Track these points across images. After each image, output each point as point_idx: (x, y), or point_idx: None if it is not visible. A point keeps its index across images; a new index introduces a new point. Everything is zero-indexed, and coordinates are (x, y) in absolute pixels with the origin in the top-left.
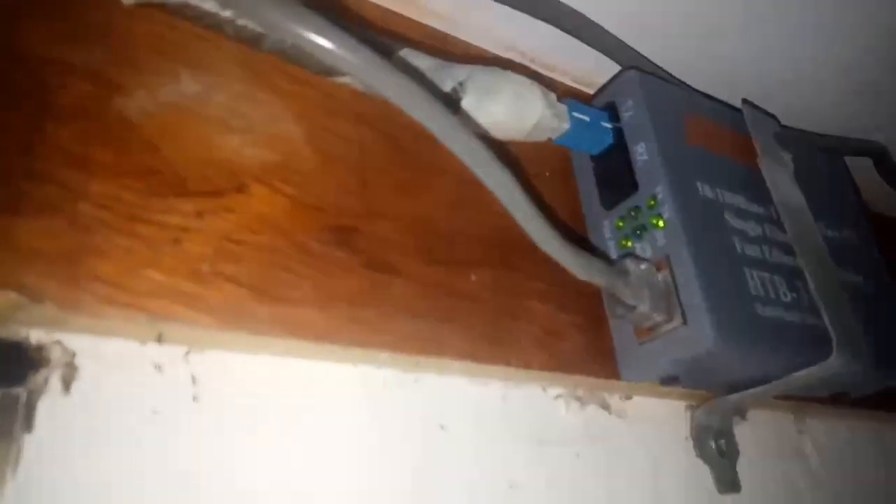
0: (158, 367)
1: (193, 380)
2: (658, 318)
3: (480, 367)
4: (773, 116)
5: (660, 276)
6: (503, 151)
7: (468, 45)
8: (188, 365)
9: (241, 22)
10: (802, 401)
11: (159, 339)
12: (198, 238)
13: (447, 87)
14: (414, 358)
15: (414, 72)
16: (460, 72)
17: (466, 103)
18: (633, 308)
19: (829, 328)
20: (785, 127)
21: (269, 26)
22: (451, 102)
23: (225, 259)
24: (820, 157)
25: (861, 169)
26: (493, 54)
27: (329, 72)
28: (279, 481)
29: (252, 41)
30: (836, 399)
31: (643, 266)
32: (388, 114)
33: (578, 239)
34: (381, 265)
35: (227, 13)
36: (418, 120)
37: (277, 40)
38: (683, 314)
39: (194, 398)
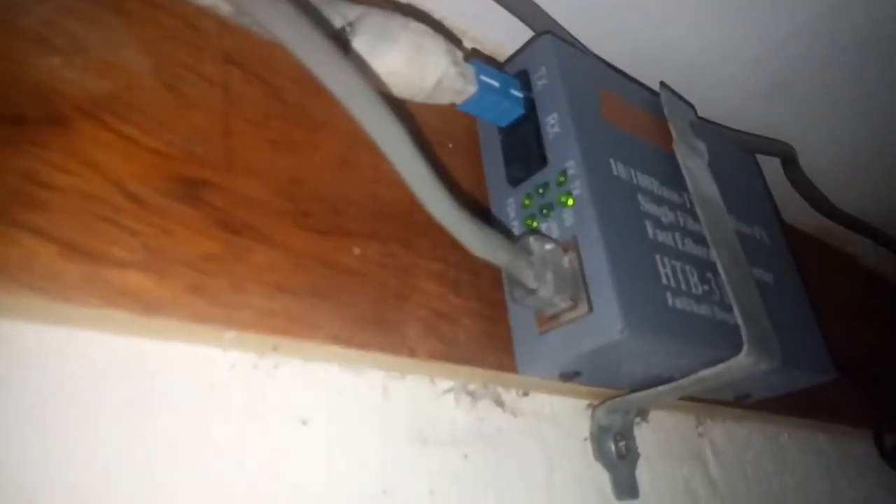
0: None
1: None
2: (561, 304)
3: (356, 354)
4: (690, 105)
5: (566, 259)
6: (400, 112)
7: None
8: None
9: None
10: (704, 402)
11: None
12: None
13: (335, 25)
14: (273, 339)
15: None
16: (350, 11)
17: (357, 46)
18: (534, 292)
19: (741, 323)
20: (700, 118)
21: None
22: (338, 43)
23: (24, 204)
24: (732, 152)
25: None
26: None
27: None
28: (71, 485)
29: None
30: (738, 402)
31: (548, 246)
32: (265, 55)
33: (480, 216)
34: (239, 227)
35: None
36: (296, 54)
37: None
38: (589, 301)
39: None
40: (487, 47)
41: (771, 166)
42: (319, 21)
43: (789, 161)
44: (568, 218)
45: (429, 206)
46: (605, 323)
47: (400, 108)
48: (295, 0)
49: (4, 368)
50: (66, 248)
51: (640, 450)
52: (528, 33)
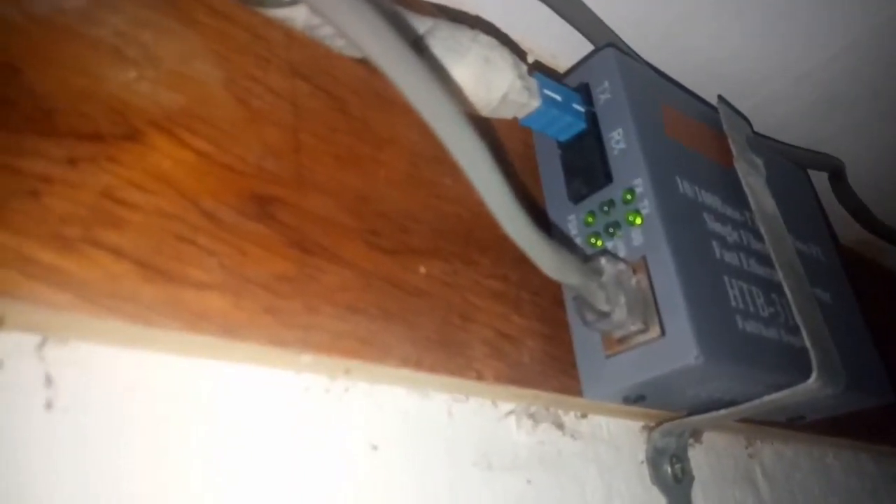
0: None
1: (48, 380)
2: (632, 327)
3: (424, 377)
4: (746, 119)
5: (634, 280)
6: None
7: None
8: (41, 361)
9: None
10: (754, 423)
11: (0, 323)
12: (66, 192)
13: (407, 37)
14: (345, 362)
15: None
16: (420, 23)
17: (427, 60)
18: (607, 315)
19: (810, 348)
20: (755, 133)
21: None
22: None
23: (103, 222)
24: (785, 167)
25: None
26: (457, 10)
27: (260, 0)
28: None
29: None
30: (791, 423)
31: (620, 267)
32: (329, 68)
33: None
34: (311, 246)
35: None
36: (381, 66)
37: None
38: (662, 324)
39: (48, 405)
40: (545, 58)
41: (814, 178)
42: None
43: (837, 175)
44: (636, 237)
45: (506, 227)
46: (678, 348)
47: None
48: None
49: (82, 392)
50: (145, 269)
51: (693, 472)
52: (585, 45)
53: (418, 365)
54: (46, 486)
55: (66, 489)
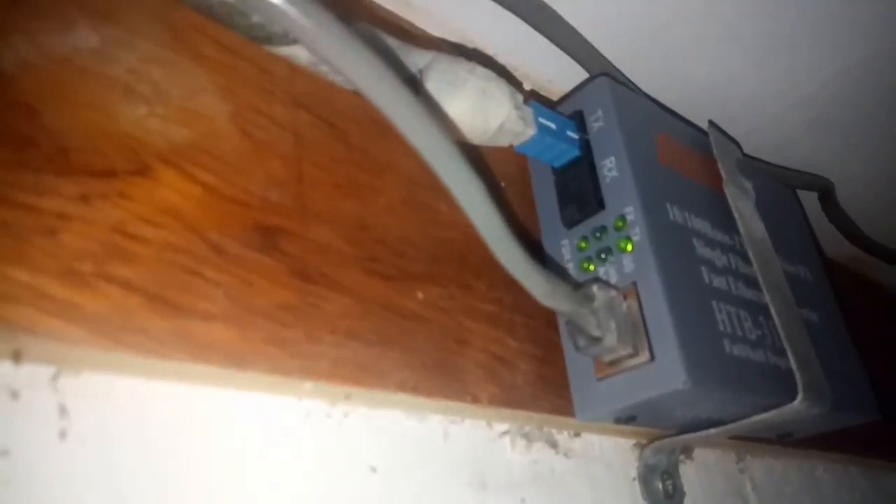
0: (14, 394)
1: (62, 411)
2: (622, 352)
3: (421, 401)
4: (735, 142)
5: (624, 306)
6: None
7: (421, 32)
8: (55, 392)
9: None
10: (744, 440)
11: (16, 356)
12: (80, 229)
13: (408, 71)
14: (345, 389)
15: (373, 45)
16: (420, 58)
17: (427, 93)
18: (599, 340)
19: (796, 370)
20: (745, 155)
21: None
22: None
23: (115, 257)
24: (774, 188)
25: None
26: (451, 43)
27: (267, 38)
28: None
29: None
30: (780, 440)
31: (611, 293)
32: (330, 98)
33: (537, 258)
34: (314, 275)
35: None
36: (377, 102)
37: None
38: (651, 349)
39: (62, 434)
40: (541, 84)
41: (803, 197)
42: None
43: (827, 195)
44: (627, 264)
45: (502, 260)
46: (667, 373)
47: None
48: (376, 50)
49: (96, 422)
50: (154, 302)
51: (685, 488)
52: (581, 70)
53: (415, 390)
54: None
55: None
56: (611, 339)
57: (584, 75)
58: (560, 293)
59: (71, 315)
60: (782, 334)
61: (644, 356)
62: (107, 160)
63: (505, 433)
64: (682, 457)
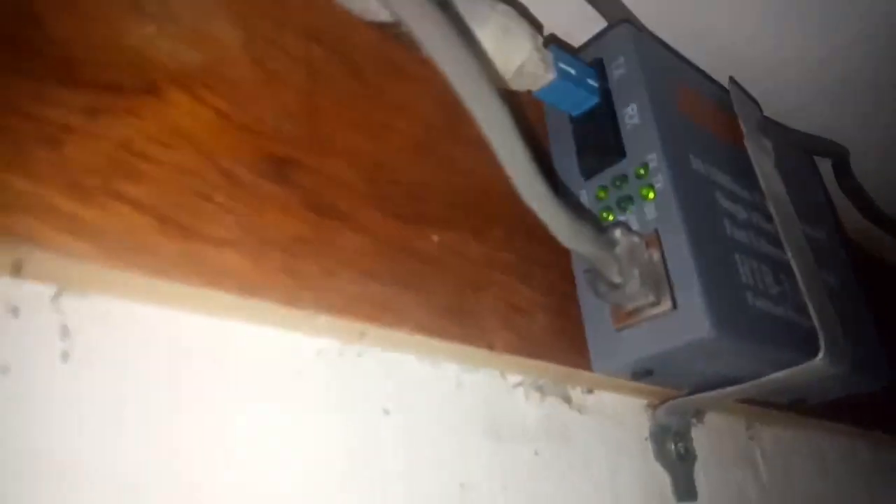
0: (14, 311)
1: (64, 331)
2: (643, 300)
3: (435, 345)
4: (756, 102)
5: (647, 254)
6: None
7: None
8: (58, 311)
9: None
10: (755, 406)
11: (17, 269)
12: (86, 142)
13: None
14: (360, 325)
15: None
16: None
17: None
18: (620, 287)
19: (818, 327)
20: (765, 117)
21: None
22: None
23: (122, 174)
24: (793, 152)
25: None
26: None
27: None
28: (170, 471)
29: None
30: (791, 406)
31: (634, 239)
32: (345, 34)
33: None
34: (327, 209)
35: None
36: (406, 20)
37: None
38: (673, 297)
39: (64, 356)
40: (554, 29)
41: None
42: None
43: (841, 163)
44: (649, 212)
45: (526, 195)
46: (690, 321)
47: None
48: None
49: (99, 346)
50: (165, 223)
51: (696, 451)
52: (598, 22)
53: (433, 332)
54: (60, 436)
55: (80, 441)
56: (633, 286)
57: (599, 27)
58: (584, 235)
59: (77, 229)
60: (804, 291)
61: (666, 305)
62: (113, 75)
63: (518, 385)
64: (693, 420)
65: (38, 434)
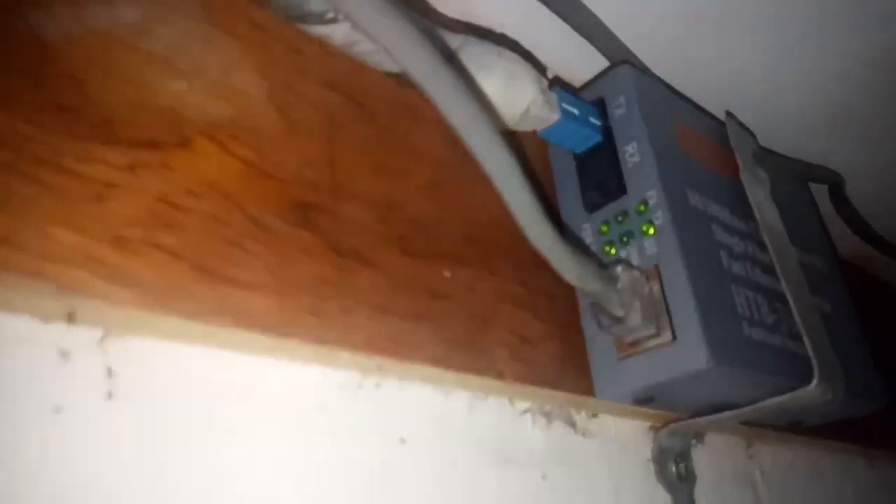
0: (65, 354)
1: (109, 372)
2: (645, 332)
3: (449, 375)
4: (751, 133)
5: (647, 287)
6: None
7: (443, 17)
8: (103, 353)
9: None
10: (754, 426)
11: (69, 318)
12: (127, 197)
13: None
14: (378, 360)
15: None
16: (453, 40)
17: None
18: (622, 320)
19: (811, 354)
20: (760, 147)
21: None
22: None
23: (160, 225)
24: (788, 180)
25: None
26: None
27: (302, 17)
28: (210, 498)
29: None
30: (790, 427)
31: (635, 274)
32: (361, 82)
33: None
34: (347, 251)
35: None
36: (417, 78)
37: None
38: (673, 329)
39: (109, 395)
40: (561, 72)
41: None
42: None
43: (837, 188)
44: (650, 246)
45: (533, 237)
46: (689, 353)
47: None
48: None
49: (140, 384)
50: (198, 270)
51: (696, 471)
52: (601, 59)
53: (445, 364)
54: (107, 470)
55: (123, 475)
56: (634, 319)
57: (601, 65)
58: (588, 273)
59: (119, 279)
60: (798, 319)
61: (666, 336)
62: (150, 132)
63: (526, 411)
64: (694, 441)
65: (86, 468)
